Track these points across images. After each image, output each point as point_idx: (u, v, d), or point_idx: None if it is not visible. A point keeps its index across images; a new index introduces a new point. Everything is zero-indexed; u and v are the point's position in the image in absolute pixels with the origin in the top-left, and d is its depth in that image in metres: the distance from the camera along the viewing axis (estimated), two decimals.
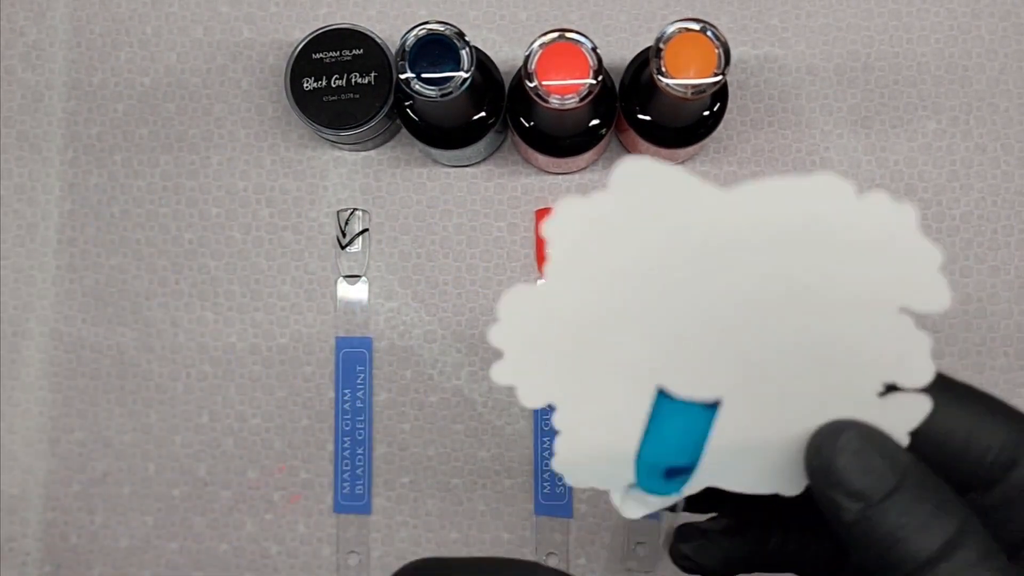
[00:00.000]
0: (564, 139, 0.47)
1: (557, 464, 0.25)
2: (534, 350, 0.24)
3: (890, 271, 0.22)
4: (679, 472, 0.25)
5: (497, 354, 0.24)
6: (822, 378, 0.23)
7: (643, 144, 0.47)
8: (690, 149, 0.47)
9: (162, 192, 0.52)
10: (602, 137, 0.47)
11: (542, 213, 0.50)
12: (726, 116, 0.47)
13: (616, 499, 0.26)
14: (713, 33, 0.41)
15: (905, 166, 0.51)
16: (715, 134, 0.48)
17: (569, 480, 0.25)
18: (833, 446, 0.23)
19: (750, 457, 0.25)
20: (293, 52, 0.47)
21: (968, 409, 0.24)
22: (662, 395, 0.24)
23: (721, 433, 0.24)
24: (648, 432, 0.24)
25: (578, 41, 0.42)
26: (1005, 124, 0.51)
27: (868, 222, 0.22)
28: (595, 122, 0.47)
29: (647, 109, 0.46)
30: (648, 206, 0.22)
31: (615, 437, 0.25)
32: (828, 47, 0.51)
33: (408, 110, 0.47)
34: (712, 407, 0.24)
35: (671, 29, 0.41)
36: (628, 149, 0.50)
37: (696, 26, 0.41)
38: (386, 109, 0.47)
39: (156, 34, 0.52)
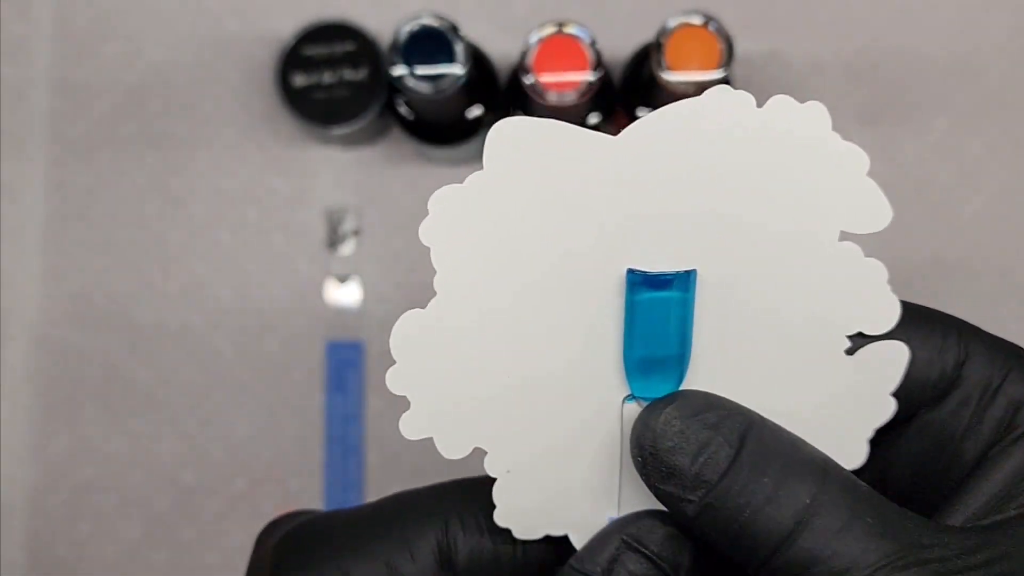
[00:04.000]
0: None
1: (500, 517, 0.22)
2: (444, 386, 0.22)
3: (817, 187, 0.20)
4: (667, 366, 0.21)
5: (404, 402, 0.22)
6: (782, 347, 0.21)
7: None
8: None
9: (148, 192, 0.51)
10: None
11: None
12: None
13: (578, 542, 0.22)
14: (716, 27, 0.41)
15: (914, 165, 0.50)
16: None
17: (518, 532, 0.22)
18: (654, 432, 0.19)
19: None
20: (283, 47, 0.47)
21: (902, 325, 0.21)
22: (631, 276, 0.21)
23: (705, 312, 0.21)
24: (626, 326, 0.21)
25: (577, 35, 0.41)
26: (1017, 121, 0.50)
27: (778, 132, 0.20)
28: (594, 119, 0.46)
29: (648, 105, 0.45)
30: (533, 170, 0.21)
31: (565, 464, 0.22)
32: (835, 42, 0.50)
33: (401, 107, 0.47)
34: (684, 288, 0.21)
35: (673, 23, 0.41)
36: None
37: (699, 20, 0.41)
38: (378, 106, 0.46)
39: (142, 28, 0.51)
